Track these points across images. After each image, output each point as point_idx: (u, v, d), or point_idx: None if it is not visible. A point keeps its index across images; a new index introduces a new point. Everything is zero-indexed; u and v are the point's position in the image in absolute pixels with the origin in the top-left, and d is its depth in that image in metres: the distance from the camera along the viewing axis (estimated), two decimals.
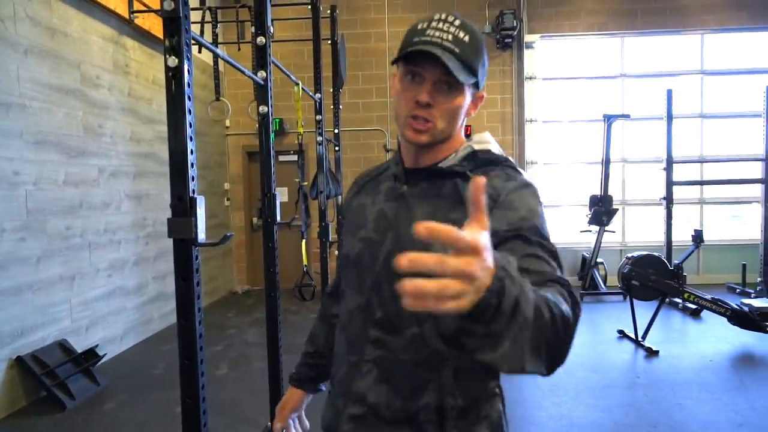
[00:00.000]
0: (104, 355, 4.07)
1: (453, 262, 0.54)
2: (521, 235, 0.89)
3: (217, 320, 5.69)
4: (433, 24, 0.96)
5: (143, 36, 5.09)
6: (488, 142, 1.05)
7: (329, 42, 5.39)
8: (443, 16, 0.97)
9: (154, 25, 5.14)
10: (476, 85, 1.00)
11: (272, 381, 3.00)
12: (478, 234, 0.55)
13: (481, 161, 1.01)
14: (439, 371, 0.96)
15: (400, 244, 1.00)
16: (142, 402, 3.56)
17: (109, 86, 4.55)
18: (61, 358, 3.68)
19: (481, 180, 0.57)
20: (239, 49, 5.17)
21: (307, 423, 1.40)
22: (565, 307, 0.72)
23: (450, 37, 0.94)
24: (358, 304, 1.05)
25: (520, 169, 1.04)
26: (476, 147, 1.03)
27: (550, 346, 0.68)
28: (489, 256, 0.56)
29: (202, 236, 1.87)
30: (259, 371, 4.08)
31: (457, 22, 0.96)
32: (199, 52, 5.02)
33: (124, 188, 4.76)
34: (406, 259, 0.54)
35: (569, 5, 7.17)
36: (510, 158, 1.05)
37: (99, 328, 4.32)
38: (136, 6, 4.81)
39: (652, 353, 4.28)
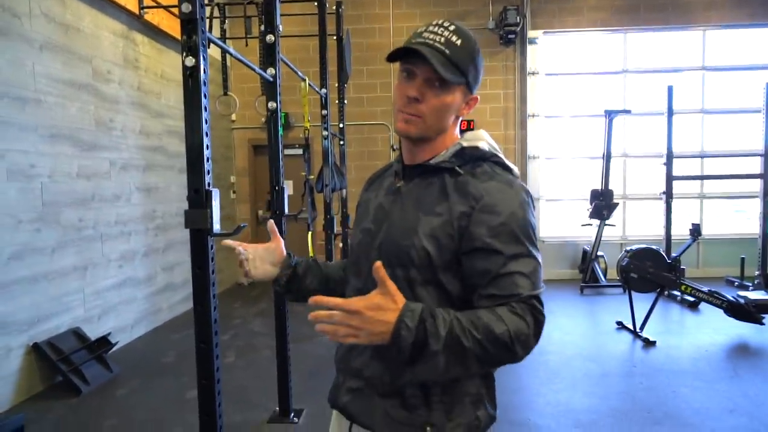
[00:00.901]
0: (116, 343, 4.20)
1: (337, 317, 0.90)
2: (496, 250, 0.99)
3: (224, 311, 5.81)
4: (430, 28, 1.06)
5: (152, 31, 5.18)
6: (479, 139, 1.12)
7: (335, 37, 5.48)
8: (440, 22, 1.07)
9: (163, 20, 5.23)
10: (469, 88, 1.08)
11: (281, 368, 3.12)
12: (359, 300, 0.91)
13: (469, 157, 1.09)
14: None
15: (390, 233, 1.10)
16: (153, 388, 3.68)
17: (119, 81, 4.65)
18: (75, 345, 3.80)
19: (377, 264, 0.92)
20: (246, 45, 5.26)
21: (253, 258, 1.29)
22: (500, 326, 0.92)
23: (442, 39, 1.03)
24: (357, 288, 1.15)
25: (509, 164, 1.12)
26: (465, 144, 1.10)
27: (480, 359, 0.93)
28: (376, 314, 0.90)
29: (217, 227, 1.98)
30: (266, 359, 4.20)
31: (452, 28, 1.05)
32: (208, 47, 5.11)
33: (134, 181, 4.87)
34: (312, 315, 0.91)
35: (573, 1, 7.22)
36: (499, 153, 1.12)
37: (111, 317, 4.44)
38: (146, 2, 4.90)
39: (649, 344, 4.38)
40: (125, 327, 4.66)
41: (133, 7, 4.76)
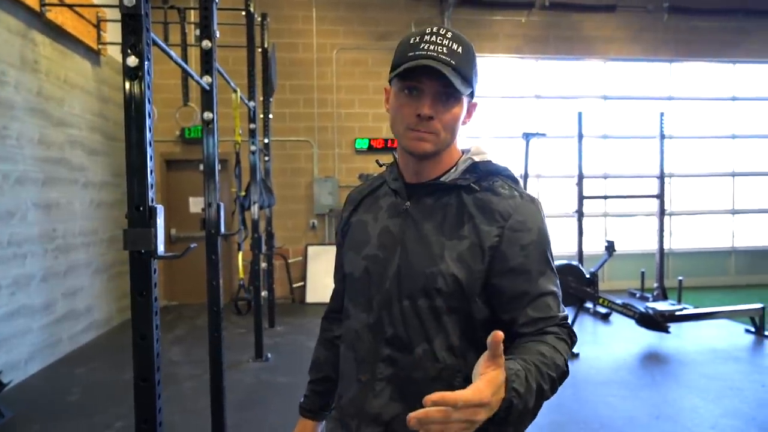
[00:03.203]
0: (9, 382, 3.65)
1: (456, 415, 0.71)
2: (529, 270, 0.97)
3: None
4: (426, 38, 0.98)
5: (55, 32, 4.68)
6: (485, 152, 1.07)
7: (259, 50, 5.29)
8: (435, 29, 0.99)
9: (67, 20, 4.75)
10: (471, 95, 1.03)
11: (215, 401, 2.86)
12: (486, 387, 0.74)
13: (483, 172, 1.03)
14: (451, 383, 0.97)
15: (408, 261, 1.01)
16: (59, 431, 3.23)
17: (15, 84, 4.13)
18: None
19: (499, 336, 0.74)
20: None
21: None
22: (560, 358, 0.90)
23: (445, 50, 0.96)
24: (366, 323, 1.04)
25: (517, 178, 1.08)
26: (476, 159, 1.05)
27: (551, 394, 0.88)
28: (494, 396, 0.75)
29: (161, 248, 1.76)
30: (190, 390, 3.86)
31: (449, 35, 0.98)
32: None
33: (31, 196, 4.32)
34: (414, 419, 0.71)
35: (489, 28, 7.57)
36: (509, 168, 1.08)
37: (1, 353, 3.86)
38: None
39: (572, 356, 4.58)
40: (17, 363, 4.07)
41: (33, 3, 4.27)
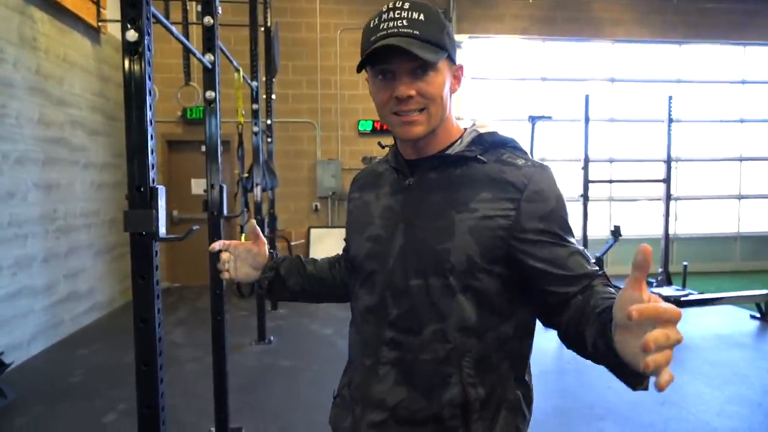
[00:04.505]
0: (11, 363, 3.64)
1: (674, 336, 0.61)
2: (557, 234, 0.93)
3: None
4: (384, 16, 0.93)
5: (54, 8, 4.58)
6: (489, 124, 1.03)
7: (262, 29, 5.19)
8: (391, 5, 0.94)
9: None
10: (450, 58, 0.97)
11: (218, 385, 2.83)
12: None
13: (489, 144, 0.99)
14: (460, 364, 0.94)
15: (415, 238, 0.96)
16: (61, 414, 3.22)
17: (14, 61, 4.05)
18: None
19: (648, 249, 0.64)
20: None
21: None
22: None
23: (405, 22, 0.92)
24: (369, 306, 1.01)
25: (524, 149, 1.04)
26: (481, 130, 1.01)
27: None
28: None
29: (162, 230, 1.71)
30: (192, 373, 3.85)
31: (406, 5, 0.93)
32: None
33: (32, 177, 4.27)
34: (635, 312, 0.61)
35: (496, 8, 7.42)
36: (515, 139, 1.04)
37: (2, 333, 3.85)
38: None
39: None
40: (20, 344, 4.07)
41: None
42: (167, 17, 4.85)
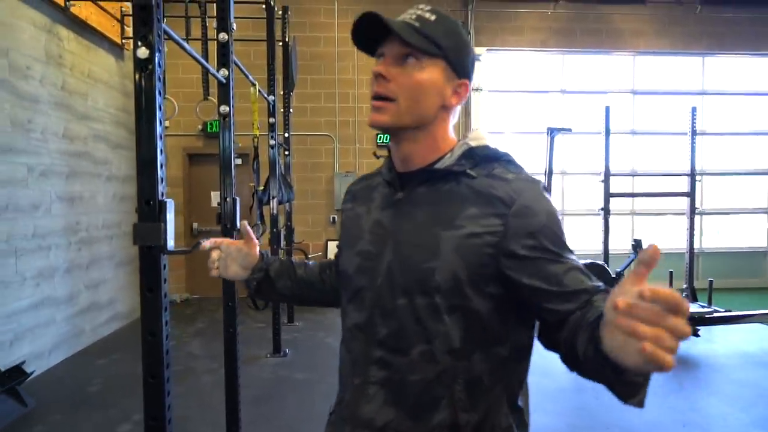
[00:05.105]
0: (32, 372, 3.71)
1: (673, 319, 0.55)
2: (550, 250, 0.88)
3: None
4: (405, 13, 0.95)
5: (79, 26, 4.73)
6: (483, 138, 1.00)
7: (280, 44, 5.26)
8: (418, 6, 0.96)
9: (91, 15, 4.80)
10: (452, 67, 0.95)
11: (230, 398, 2.84)
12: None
13: (481, 158, 0.96)
14: (451, 387, 0.91)
15: (402, 255, 0.94)
16: (78, 423, 3.26)
17: (40, 78, 4.19)
18: None
19: (656, 247, 0.59)
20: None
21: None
22: None
23: (414, 16, 0.93)
24: (358, 323, 0.98)
25: (519, 164, 1.00)
26: (473, 144, 0.97)
27: None
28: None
29: (171, 243, 1.73)
30: (207, 385, 3.87)
31: (426, 7, 0.94)
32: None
33: (56, 189, 4.38)
34: (624, 303, 0.57)
35: (514, 21, 7.41)
36: (509, 153, 1.00)
37: (25, 343, 3.93)
38: None
39: None
40: (42, 353, 4.15)
41: None
42: (188, 34, 4.96)
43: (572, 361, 0.82)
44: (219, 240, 1.19)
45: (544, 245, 0.88)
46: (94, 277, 4.98)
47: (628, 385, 0.68)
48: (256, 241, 1.20)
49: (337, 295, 1.13)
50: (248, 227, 1.20)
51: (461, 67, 0.96)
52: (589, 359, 0.74)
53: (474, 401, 0.91)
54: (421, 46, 0.90)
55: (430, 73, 0.92)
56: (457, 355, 0.90)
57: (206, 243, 1.18)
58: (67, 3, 4.43)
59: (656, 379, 2.97)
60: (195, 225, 6.91)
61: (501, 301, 0.91)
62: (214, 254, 1.17)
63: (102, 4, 4.93)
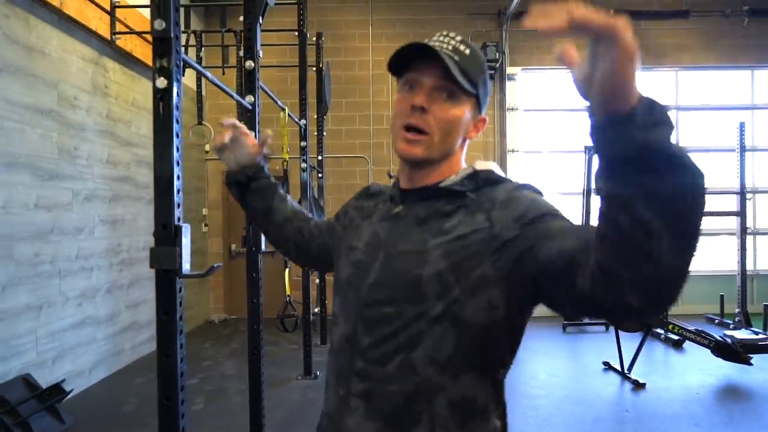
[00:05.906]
0: (71, 391, 3.83)
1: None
2: (543, 215, 0.85)
3: (193, 351, 5.46)
4: (435, 38, 0.95)
5: (124, 57, 4.99)
6: (490, 164, 1.01)
7: (314, 69, 5.38)
8: (445, 32, 0.96)
9: (136, 47, 5.05)
10: (478, 107, 0.97)
11: (253, 417, 2.85)
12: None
13: (483, 181, 0.95)
14: (431, 401, 0.87)
15: (391, 265, 0.93)
16: None
17: (87, 107, 4.42)
18: (24, 395, 3.43)
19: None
20: (223, 74, 5.09)
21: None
22: None
23: (450, 47, 0.93)
24: (344, 334, 0.98)
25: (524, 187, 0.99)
26: (478, 168, 0.98)
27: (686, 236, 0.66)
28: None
29: (186, 267, 1.76)
30: (238, 406, 3.89)
31: (458, 38, 0.95)
32: (183, 74, 4.94)
33: (99, 213, 4.58)
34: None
35: (549, 40, 7.24)
36: (512, 180, 1.00)
37: (66, 361, 4.08)
38: (119, 27, 4.72)
39: (638, 386, 4.23)
40: (82, 371, 4.29)
41: (105, 32, 4.57)
42: (226, 62, 5.15)
43: (601, 273, 0.71)
44: (242, 126, 1.29)
45: (531, 217, 0.84)
46: (135, 297, 5.15)
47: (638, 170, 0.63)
48: (255, 141, 1.32)
49: (289, 247, 1.29)
50: (235, 121, 1.29)
51: (484, 104, 0.99)
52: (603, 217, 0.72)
53: (457, 419, 0.88)
54: (464, 84, 0.91)
55: (463, 110, 0.94)
56: (442, 369, 0.87)
57: (227, 121, 1.27)
58: (113, 36, 4.68)
59: (703, 410, 2.79)
60: (233, 246, 7.06)
61: (504, 316, 0.88)
62: (225, 138, 1.27)
63: (147, 36, 5.19)
